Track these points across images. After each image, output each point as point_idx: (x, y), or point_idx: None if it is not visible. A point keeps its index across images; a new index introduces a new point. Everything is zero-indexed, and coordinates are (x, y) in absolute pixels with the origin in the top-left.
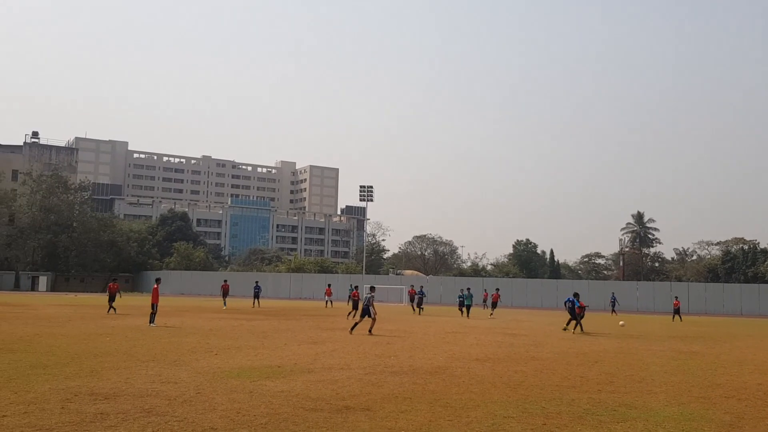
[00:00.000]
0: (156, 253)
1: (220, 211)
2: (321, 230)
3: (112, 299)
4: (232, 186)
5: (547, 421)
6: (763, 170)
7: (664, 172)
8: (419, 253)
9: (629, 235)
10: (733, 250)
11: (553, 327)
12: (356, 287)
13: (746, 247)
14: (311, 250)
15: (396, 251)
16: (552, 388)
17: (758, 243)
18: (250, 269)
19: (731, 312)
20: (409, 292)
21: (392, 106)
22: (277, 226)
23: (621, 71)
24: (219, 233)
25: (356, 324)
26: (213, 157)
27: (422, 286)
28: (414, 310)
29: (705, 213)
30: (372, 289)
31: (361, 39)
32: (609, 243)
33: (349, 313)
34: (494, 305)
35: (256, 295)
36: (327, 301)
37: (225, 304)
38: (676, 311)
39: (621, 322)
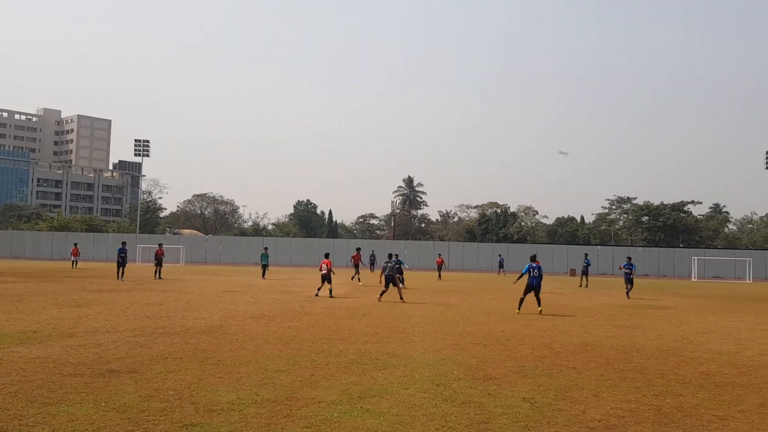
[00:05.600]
0: None
1: None
2: (90, 186)
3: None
4: None
5: (315, 372)
6: (512, 142)
7: (432, 141)
8: (199, 212)
9: (400, 197)
10: (488, 213)
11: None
12: (358, 249)
13: (499, 211)
14: (78, 208)
15: (174, 210)
16: (322, 341)
17: (508, 207)
18: (5, 227)
19: (485, 268)
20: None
21: (174, 56)
22: (38, 180)
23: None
24: None
25: (383, 292)
26: None
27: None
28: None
29: (465, 179)
30: (390, 256)
31: None
32: (382, 205)
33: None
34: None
35: None
36: (73, 262)
37: None
38: (439, 267)
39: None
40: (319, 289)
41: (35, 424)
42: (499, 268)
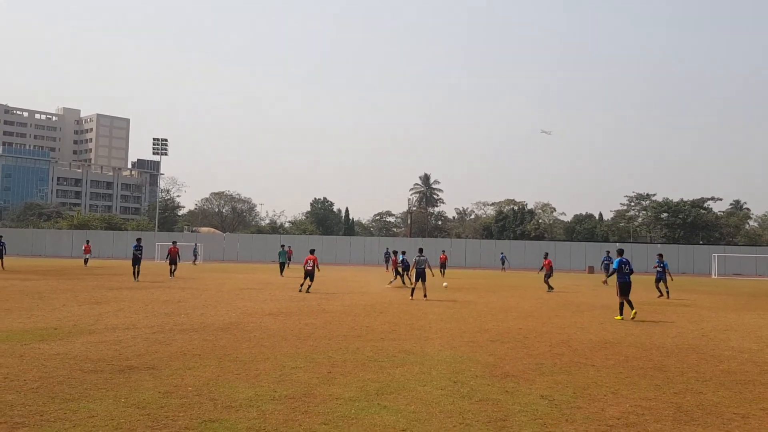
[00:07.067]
0: None
1: None
2: (109, 184)
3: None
4: (4, 133)
5: (333, 369)
6: (531, 139)
7: (449, 139)
8: (216, 210)
9: (417, 195)
10: (505, 210)
11: (337, 282)
12: (395, 252)
13: (516, 208)
14: (97, 206)
15: (192, 208)
16: (339, 338)
17: (526, 204)
18: (25, 226)
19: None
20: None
21: (187, 52)
22: (58, 179)
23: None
24: None
25: (413, 288)
26: None
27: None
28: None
29: (482, 176)
30: (421, 251)
31: None
32: (399, 202)
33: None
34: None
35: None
36: (85, 259)
37: None
38: (443, 265)
39: (444, 284)
40: (302, 285)
41: (56, 420)
42: (502, 264)
